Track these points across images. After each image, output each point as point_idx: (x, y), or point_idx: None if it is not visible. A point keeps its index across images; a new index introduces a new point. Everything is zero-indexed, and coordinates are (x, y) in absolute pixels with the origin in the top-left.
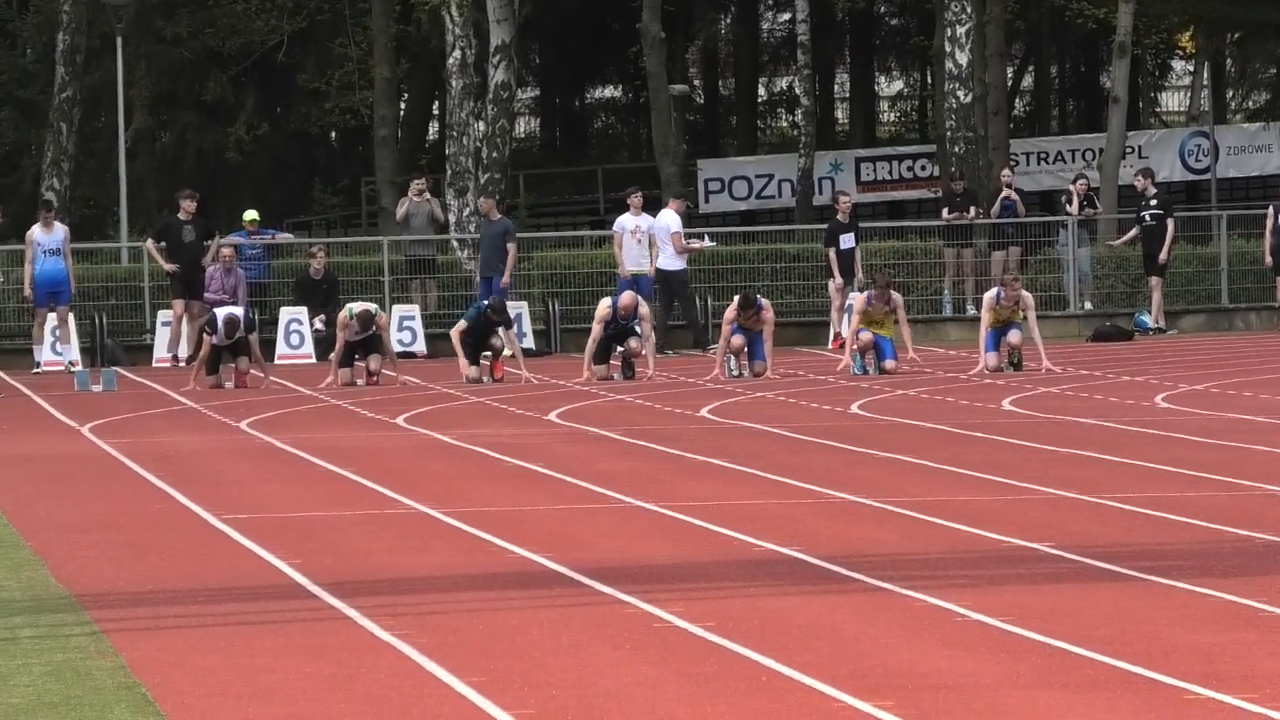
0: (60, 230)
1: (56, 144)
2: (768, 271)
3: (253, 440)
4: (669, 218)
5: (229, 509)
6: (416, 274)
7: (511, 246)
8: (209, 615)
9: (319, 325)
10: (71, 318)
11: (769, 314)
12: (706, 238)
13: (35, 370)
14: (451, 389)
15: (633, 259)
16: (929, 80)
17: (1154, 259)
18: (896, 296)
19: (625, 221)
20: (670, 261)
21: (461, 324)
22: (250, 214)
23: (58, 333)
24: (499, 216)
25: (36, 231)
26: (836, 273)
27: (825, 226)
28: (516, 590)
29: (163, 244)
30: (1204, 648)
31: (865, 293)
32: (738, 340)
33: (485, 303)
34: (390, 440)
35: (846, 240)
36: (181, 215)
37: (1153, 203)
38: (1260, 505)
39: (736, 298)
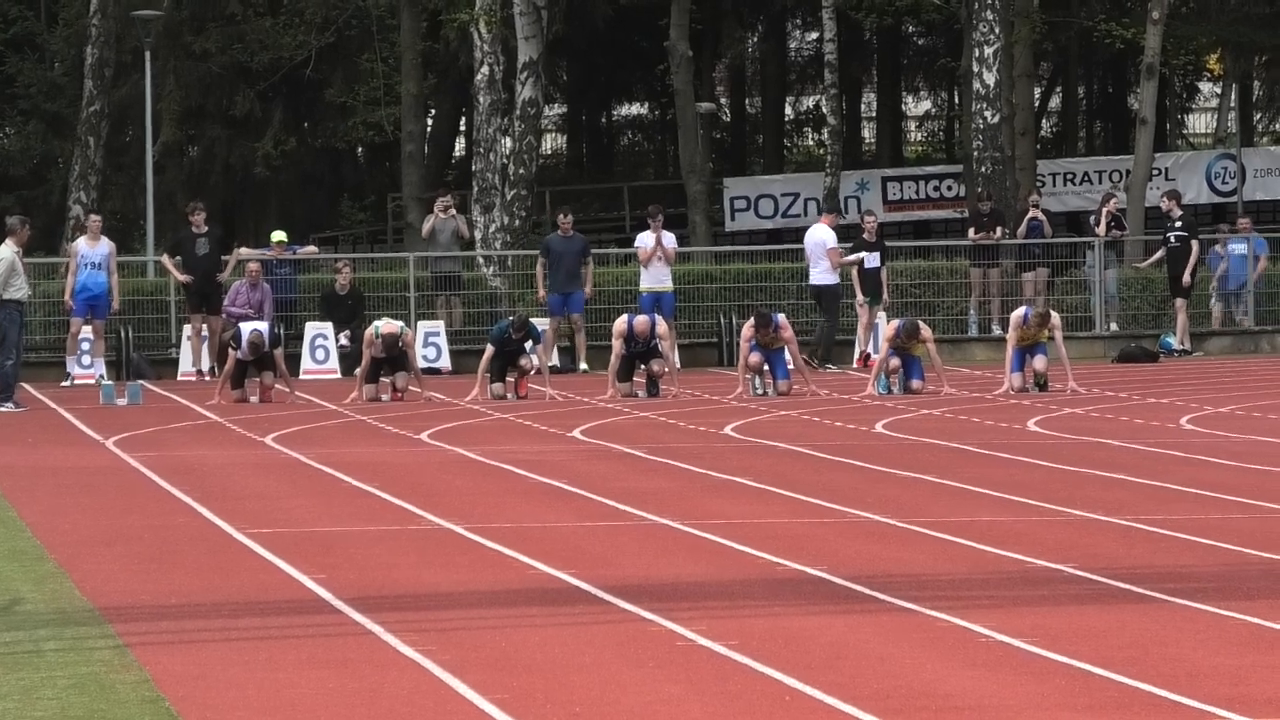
0: (106, 245)
1: (84, 157)
2: (793, 290)
3: (277, 455)
4: (823, 232)
5: (253, 523)
6: (442, 290)
7: (589, 260)
8: (233, 629)
9: (344, 340)
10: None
11: (788, 332)
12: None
13: (65, 383)
14: (476, 405)
15: (653, 277)
16: (956, 100)
17: (1179, 280)
18: (926, 331)
19: (646, 239)
20: (824, 276)
21: (489, 350)
22: (278, 235)
23: (85, 345)
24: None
25: (82, 243)
26: (859, 290)
27: (850, 245)
28: (539, 607)
29: (178, 259)
30: (1229, 670)
31: (895, 324)
32: (755, 358)
33: (507, 321)
34: (414, 456)
35: (871, 260)
36: (193, 228)
37: (1178, 224)
38: None
39: (753, 316)
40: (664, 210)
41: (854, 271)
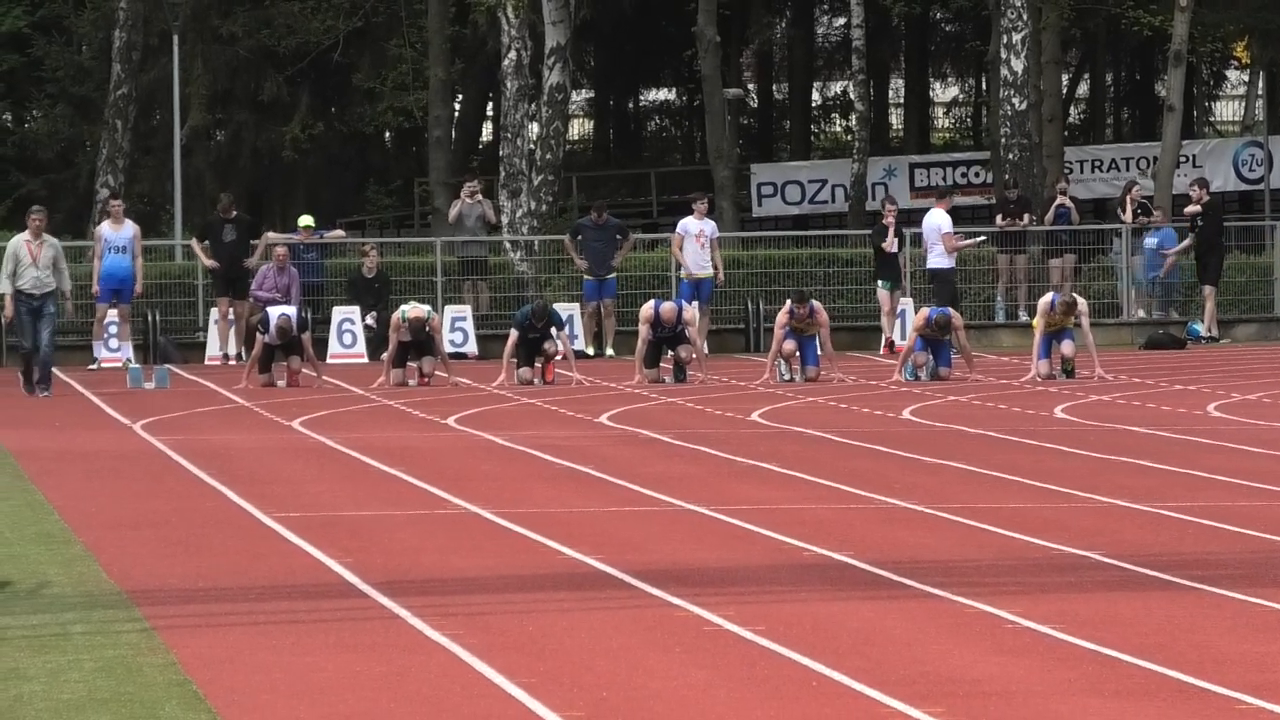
0: (130, 228)
1: (112, 141)
2: (820, 276)
3: (304, 439)
4: (938, 217)
5: (280, 507)
6: (469, 275)
7: (631, 236)
8: (260, 613)
9: (370, 321)
10: None
11: (823, 315)
12: (976, 236)
13: (92, 367)
14: (503, 390)
15: (695, 263)
16: (984, 86)
17: (1207, 268)
18: (957, 319)
19: (689, 225)
20: (940, 260)
21: (513, 335)
22: (305, 219)
23: (113, 329)
24: (606, 219)
25: (105, 228)
26: (878, 274)
27: (871, 231)
28: (567, 592)
29: (206, 242)
30: (1256, 657)
31: (926, 313)
32: (789, 345)
33: (528, 308)
34: (441, 441)
35: (893, 245)
36: (221, 215)
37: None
38: None
39: (789, 300)
40: (707, 197)
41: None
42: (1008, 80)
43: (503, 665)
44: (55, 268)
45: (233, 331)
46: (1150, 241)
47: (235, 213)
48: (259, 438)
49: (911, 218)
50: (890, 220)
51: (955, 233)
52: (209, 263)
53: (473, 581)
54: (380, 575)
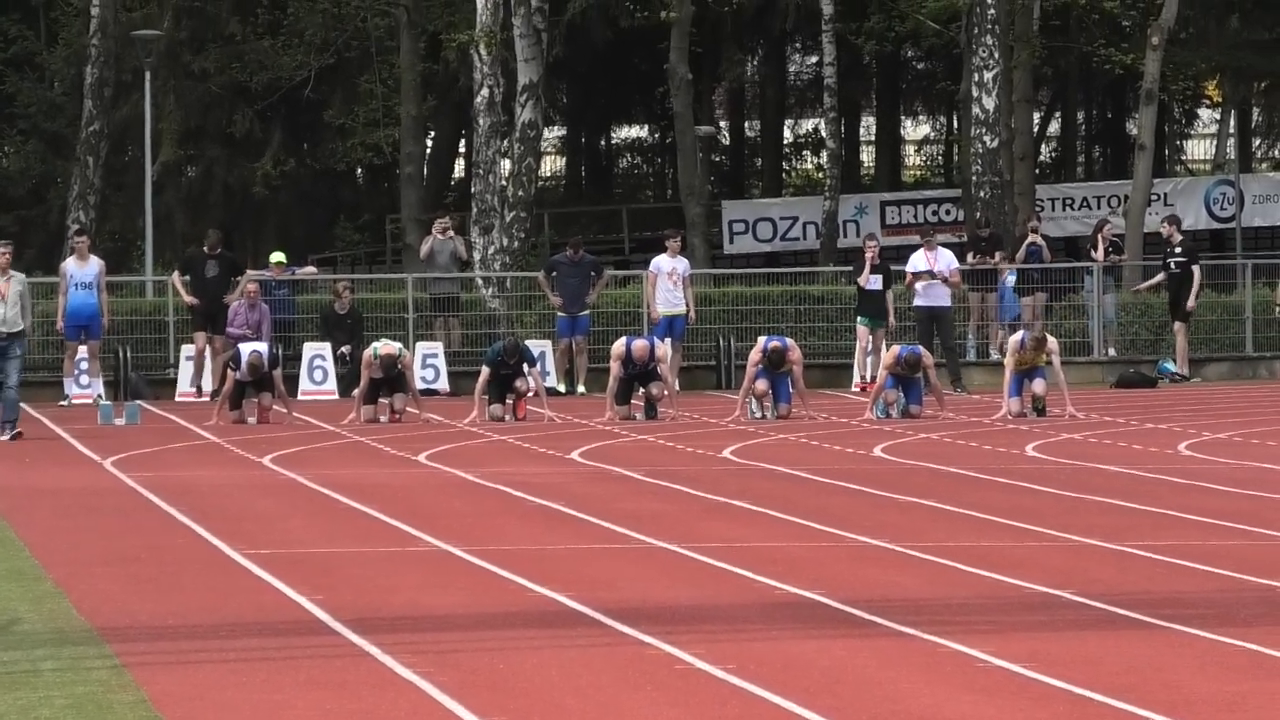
0: (95, 264)
1: (83, 177)
2: (791, 313)
3: (275, 476)
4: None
5: (251, 544)
6: (440, 312)
7: (605, 273)
8: (230, 650)
9: (344, 350)
10: None
11: (796, 354)
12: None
13: (63, 403)
14: (474, 427)
15: (667, 301)
16: (955, 124)
17: (1179, 305)
18: (927, 358)
19: (661, 263)
20: (917, 299)
21: (484, 371)
22: (277, 255)
23: (84, 365)
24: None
25: (70, 264)
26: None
27: (850, 268)
28: (538, 630)
29: (186, 277)
30: (1226, 697)
31: (896, 351)
32: (760, 385)
33: (500, 345)
34: (413, 477)
35: (874, 281)
36: (205, 250)
37: (1178, 250)
38: None
39: (764, 340)
40: (680, 234)
41: (856, 287)
42: (979, 118)
43: (473, 703)
44: (21, 304)
45: (209, 368)
46: (1009, 280)
47: (220, 249)
48: (230, 474)
49: (883, 255)
50: (869, 255)
51: (954, 269)
52: (188, 299)
53: (443, 619)
54: (351, 612)
